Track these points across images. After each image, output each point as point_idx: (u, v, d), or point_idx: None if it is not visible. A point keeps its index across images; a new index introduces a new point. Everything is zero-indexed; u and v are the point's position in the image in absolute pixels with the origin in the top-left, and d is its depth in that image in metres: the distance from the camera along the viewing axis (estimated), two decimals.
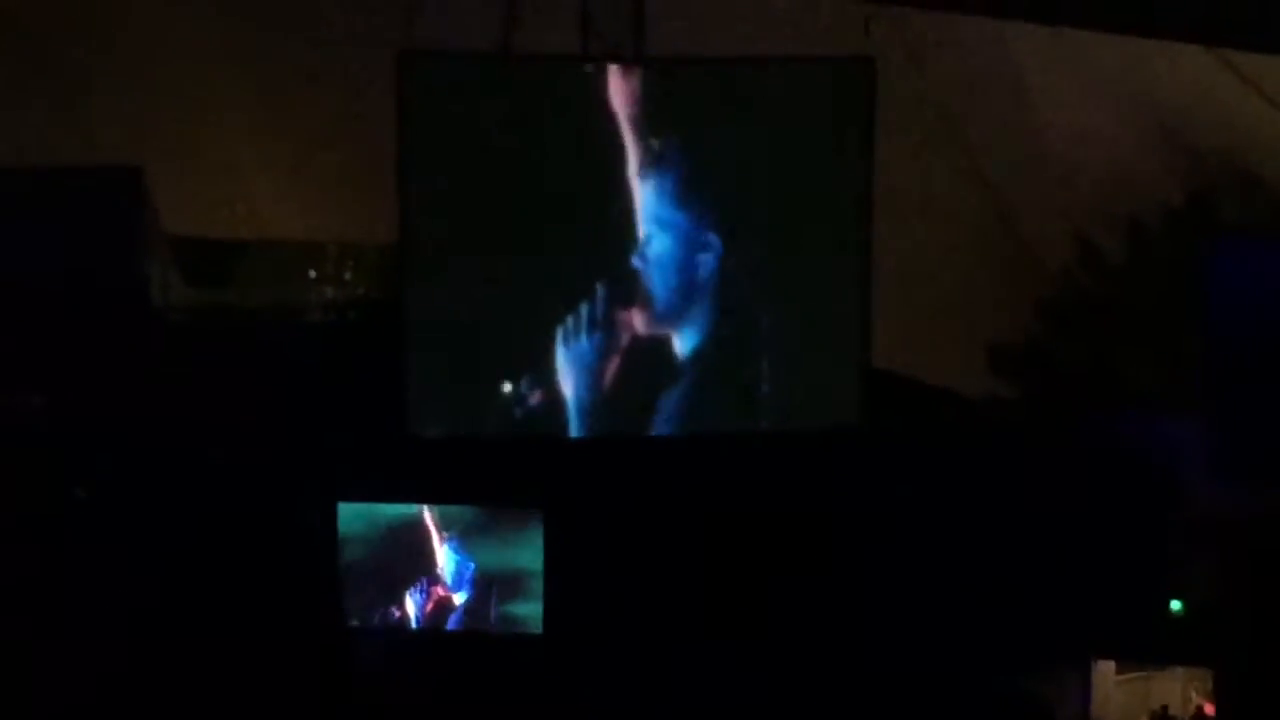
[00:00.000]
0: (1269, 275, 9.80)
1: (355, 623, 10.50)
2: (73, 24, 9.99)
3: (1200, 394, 9.92)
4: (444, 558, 10.46)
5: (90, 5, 10.01)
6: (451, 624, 10.52)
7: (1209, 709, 11.20)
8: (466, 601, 10.47)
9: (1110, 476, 10.46)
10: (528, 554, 10.40)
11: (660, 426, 10.02)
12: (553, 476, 10.26)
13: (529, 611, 10.42)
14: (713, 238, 9.96)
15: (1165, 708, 11.40)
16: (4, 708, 9.64)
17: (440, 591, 10.49)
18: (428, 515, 10.45)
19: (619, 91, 9.83)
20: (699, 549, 10.48)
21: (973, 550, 10.59)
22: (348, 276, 10.89)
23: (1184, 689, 11.47)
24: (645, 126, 9.86)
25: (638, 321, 9.92)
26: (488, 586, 10.46)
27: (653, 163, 9.85)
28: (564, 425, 9.90)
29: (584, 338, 9.82)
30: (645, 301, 9.91)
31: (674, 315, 9.97)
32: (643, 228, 9.85)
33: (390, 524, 10.46)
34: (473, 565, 10.45)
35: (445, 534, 10.44)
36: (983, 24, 10.04)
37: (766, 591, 10.50)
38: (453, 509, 10.45)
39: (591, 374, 9.86)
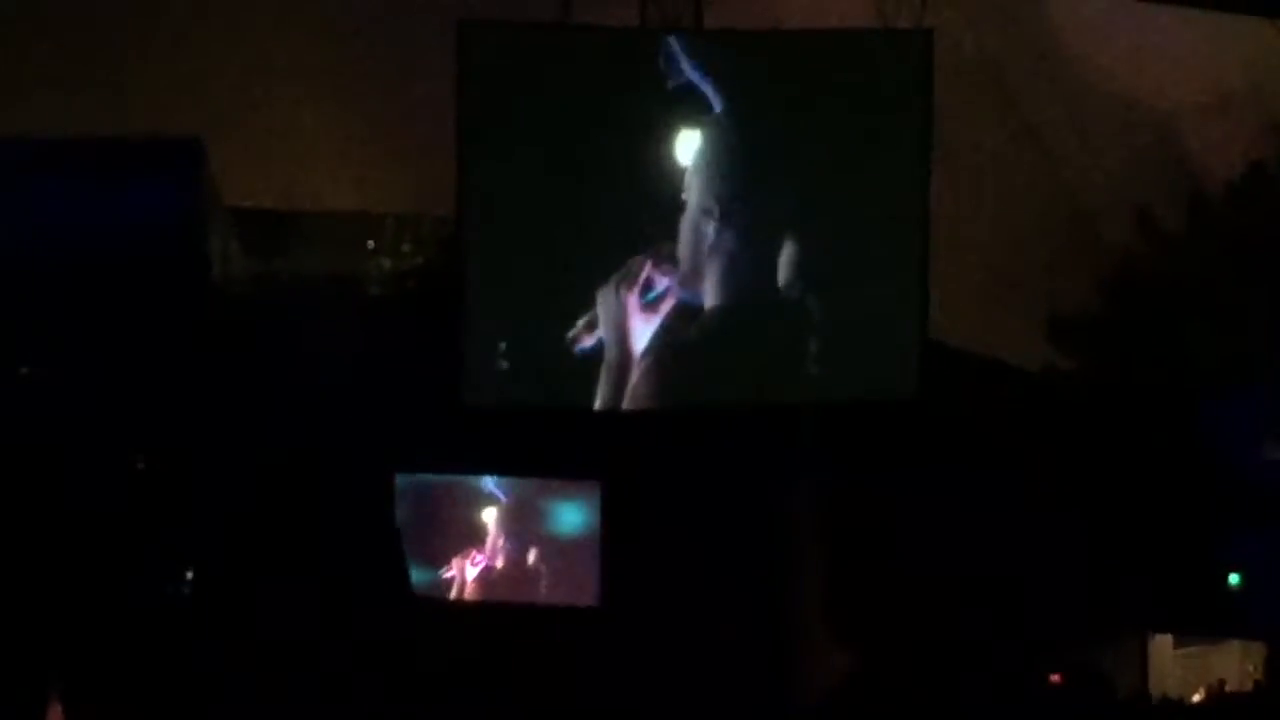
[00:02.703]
0: None
1: (409, 592, 10.48)
2: None
3: (1262, 365, 9.91)
4: (501, 528, 10.44)
5: None
6: (507, 595, 10.50)
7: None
8: (523, 573, 10.45)
9: (1169, 449, 10.40)
10: (586, 525, 10.38)
11: (721, 398, 10.03)
12: (610, 448, 10.23)
13: (586, 583, 10.40)
14: (773, 208, 9.97)
15: (1222, 681, 11.38)
16: (66, 673, 9.63)
17: (497, 562, 10.47)
18: (484, 485, 10.44)
19: (677, 63, 9.84)
20: (758, 521, 10.44)
21: (1031, 523, 10.54)
22: (405, 248, 10.90)
23: (1241, 663, 11.44)
24: (704, 97, 9.87)
25: (699, 293, 9.92)
26: (545, 558, 10.44)
27: (712, 134, 9.86)
28: (623, 397, 9.91)
29: (644, 308, 9.82)
30: (706, 273, 9.90)
31: (735, 288, 9.97)
32: (703, 198, 9.85)
33: (446, 494, 10.45)
34: (529, 536, 10.43)
35: (502, 504, 10.43)
36: None
37: (827, 565, 10.46)
38: (510, 480, 10.44)
39: (652, 345, 9.86)
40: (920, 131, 10.04)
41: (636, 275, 9.84)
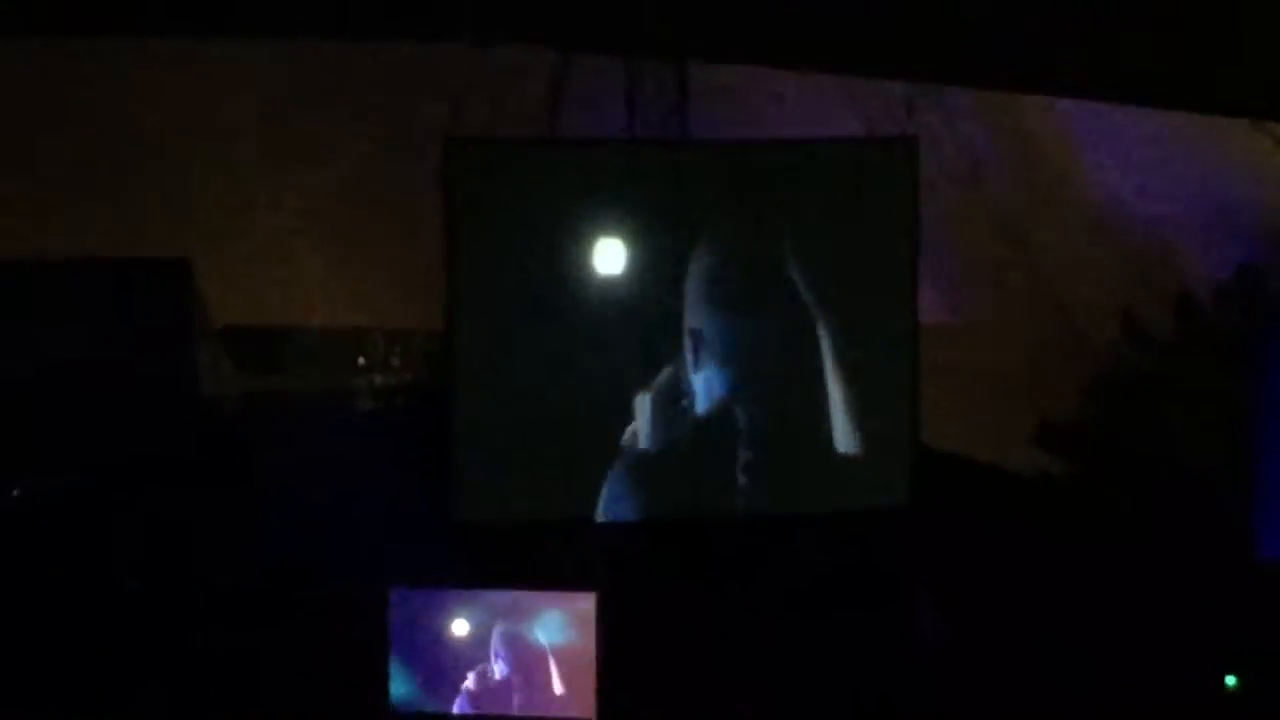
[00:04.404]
0: None
1: (406, 709, 10.43)
2: (116, 115, 10.08)
3: (1254, 465, 9.91)
4: (496, 642, 10.39)
5: (134, 95, 10.10)
6: (503, 709, 10.44)
7: None
8: (518, 687, 10.40)
9: (1161, 551, 10.39)
10: (581, 638, 10.34)
11: (714, 508, 10.04)
12: (606, 560, 10.24)
13: (582, 697, 10.35)
14: (763, 317, 10.00)
15: None
16: None
17: (492, 677, 10.42)
18: (479, 599, 10.40)
19: (663, 173, 9.91)
20: (756, 631, 10.42)
21: (1018, 627, 10.53)
22: (395, 363, 10.92)
23: None
24: (691, 209, 9.92)
25: (688, 406, 9.94)
26: (540, 671, 10.39)
27: (700, 246, 9.90)
28: (615, 509, 9.91)
29: (636, 422, 9.85)
30: (695, 385, 9.93)
31: (724, 398, 9.98)
32: (692, 310, 9.89)
33: (442, 608, 10.41)
34: (526, 649, 10.38)
35: (497, 618, 10.38)
36: (1028, 101, 10.10)
37: (825, 673, 10.44)
38: (504, 594, 10.40)
39: (644, 457, 9.87)
40: (907, 237, 10.09)
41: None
